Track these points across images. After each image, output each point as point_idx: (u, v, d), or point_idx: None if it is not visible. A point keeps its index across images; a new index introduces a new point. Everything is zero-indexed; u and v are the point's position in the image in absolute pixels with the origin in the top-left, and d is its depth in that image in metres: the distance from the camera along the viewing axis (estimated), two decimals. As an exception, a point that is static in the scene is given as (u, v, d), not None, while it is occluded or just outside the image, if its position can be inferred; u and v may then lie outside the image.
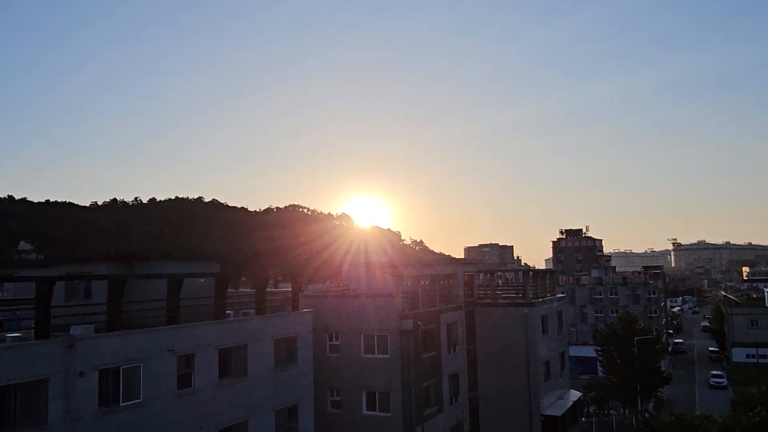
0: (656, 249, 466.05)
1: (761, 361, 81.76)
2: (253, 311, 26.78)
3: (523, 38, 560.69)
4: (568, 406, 42.71)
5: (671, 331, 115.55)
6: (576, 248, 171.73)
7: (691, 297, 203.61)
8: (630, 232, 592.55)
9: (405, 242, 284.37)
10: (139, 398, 19.34)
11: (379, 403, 31.06)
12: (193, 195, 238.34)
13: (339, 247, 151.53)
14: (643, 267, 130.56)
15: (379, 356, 31.44)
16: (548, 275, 47.76)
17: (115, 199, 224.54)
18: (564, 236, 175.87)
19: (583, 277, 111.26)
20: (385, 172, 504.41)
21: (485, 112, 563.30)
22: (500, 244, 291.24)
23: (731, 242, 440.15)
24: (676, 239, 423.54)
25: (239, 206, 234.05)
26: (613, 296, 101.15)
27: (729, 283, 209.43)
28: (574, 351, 69.45)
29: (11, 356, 16.23)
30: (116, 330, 19.53)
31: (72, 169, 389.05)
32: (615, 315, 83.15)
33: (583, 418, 52.18)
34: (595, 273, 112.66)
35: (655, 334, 69.29)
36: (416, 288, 34.02)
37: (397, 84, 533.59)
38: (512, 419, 38.89)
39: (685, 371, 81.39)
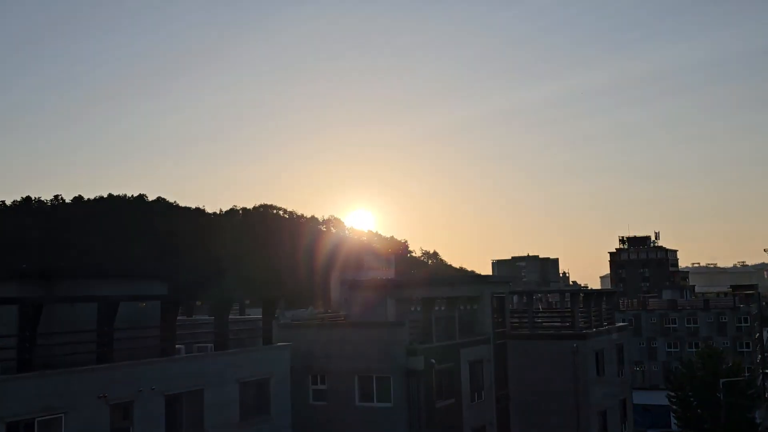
0: (749, 263, 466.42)
1: None
2: (211, 345, 26.80)
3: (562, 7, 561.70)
4: (632, 471, 42.64)
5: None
6: (642, 262, 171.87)
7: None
8: (714, 240, 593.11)
9: (414, 254, 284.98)
10: (60, 461, 19.36)
11: (380, 468, 31.06)
12: (131, 192, 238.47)
13: (326, 260, 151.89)
14: (732, 286, 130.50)
15: (380, 405, 31.40)
16: (605, 297, 47.73)
17: (28, 198, 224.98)
18: (625, 246, 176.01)
19: (651, 299, 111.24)
20: (388, 165, 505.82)
21: (519, 86, 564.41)
22: (541, 256, 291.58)
23: None
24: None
25: (193, 206, 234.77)
26: (692, 325, 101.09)
27: None
28: (640, 398, 69.32)
29: None
30: (29, 371, 19.52)
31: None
32: (694, 350, 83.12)
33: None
34: (667, 294, 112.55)
35: (747, 374, 69.27)
36: (428, 315, 34.03)
37: (406, 59, 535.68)
38: (557, 489, 38.84)
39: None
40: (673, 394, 61.48)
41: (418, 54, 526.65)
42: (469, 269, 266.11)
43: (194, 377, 23.78)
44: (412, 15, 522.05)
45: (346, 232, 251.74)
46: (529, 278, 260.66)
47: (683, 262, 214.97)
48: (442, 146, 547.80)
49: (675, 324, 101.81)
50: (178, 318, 26.29)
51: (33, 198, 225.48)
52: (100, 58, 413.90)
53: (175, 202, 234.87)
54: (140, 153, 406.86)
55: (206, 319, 34.38)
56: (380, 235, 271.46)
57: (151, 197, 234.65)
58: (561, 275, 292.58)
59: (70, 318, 22.64)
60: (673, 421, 63.74)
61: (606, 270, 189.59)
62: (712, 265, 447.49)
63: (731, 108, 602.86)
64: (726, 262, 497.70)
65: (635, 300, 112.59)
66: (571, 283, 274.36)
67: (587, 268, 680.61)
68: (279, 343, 28.86)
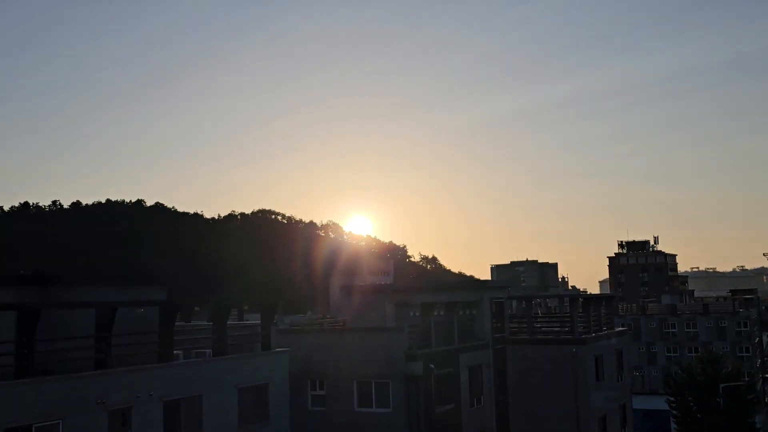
0: (748, 267, 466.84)
1: None
2: (210, 351, 26.78)
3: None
4: (632, 476, 42.59)
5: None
6: (641, 266, 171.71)
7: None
8: (713, 245, 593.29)
9: (412, 259, 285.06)
10: (58, 468, 19.35)
11: (379, 474, 31.01)
12: (129, 197, 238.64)
13: (325, 265, 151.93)
14: (731, 291, 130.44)
15: (379, 410, 31.38)
16: (604, 302, 47.76)
17: (26, 203, 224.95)
18: (624, 250, 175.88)
19: (650, 304, 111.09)
20: (386, 170, 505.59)
21: (517, 91, 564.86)
22: (540, 261, 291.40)
23: None
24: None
25: (192, 212, 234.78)
26: (691, 330, 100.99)
27: None
28: (640, 402, 69.29)
29: None
30: (27, 377, 19.50)
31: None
32: (693, 355, 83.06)
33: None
34: (666, 299, 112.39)
35: (747, 379, 69.19)
36: (428, 320, 34.01)
37: (405, 66, 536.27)
38: (557, 495, 38.79)
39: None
40: (672, 399, 61.36)
41: (416, 60, 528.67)
42: (468, 274, 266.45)
43: (193, 383, 23.75)
44: (410, 23, 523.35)
45: (345, 237, 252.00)
46: (528, 283, 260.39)
47: (682, 267, 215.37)
48: (440, 151, 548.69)
49: (674, 329, 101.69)
50: (177, 323, 26.26)
51: (31, 203, 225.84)
52: (98, 63, 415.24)
53: (173, 207, 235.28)
54: (138, 158, 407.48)
55: (205, 325, 34.30)
56: (379, 240, 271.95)
57: (149, 203, 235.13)
58: (560, 280, 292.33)
59: (69, 324, 22.61)
60: (673, 426, 63.61)
61: (605, 274, 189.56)
62: (711, 270, 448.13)
63: (731, 112, 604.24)
64: (725, 266, 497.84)
65: (634, 305, 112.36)
66: (570, 287, 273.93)
67: (586, 272, 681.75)
68: (278, 349, 28.86)
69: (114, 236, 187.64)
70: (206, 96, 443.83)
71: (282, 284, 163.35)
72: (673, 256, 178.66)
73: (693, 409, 58.40)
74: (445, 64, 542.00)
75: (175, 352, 24.61)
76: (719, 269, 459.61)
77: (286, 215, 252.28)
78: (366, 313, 37.04)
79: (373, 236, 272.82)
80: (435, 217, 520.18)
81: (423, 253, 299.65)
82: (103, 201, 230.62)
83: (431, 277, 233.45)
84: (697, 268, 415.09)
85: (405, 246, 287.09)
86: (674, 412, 61.21)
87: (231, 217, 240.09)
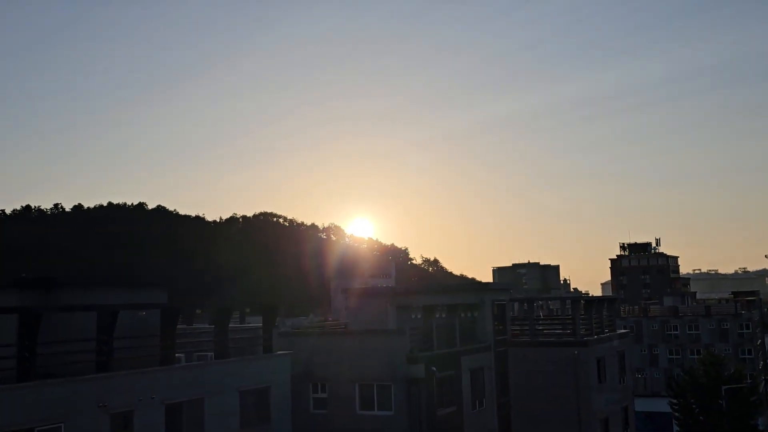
0: (750, 269, 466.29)
1: None
2: (211, 354, 26.78)
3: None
4: (634, 479, 42.52)
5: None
6: (643, 268, 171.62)
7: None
8: (715, 246, 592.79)
9: (414, 261, 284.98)
10: (60, 471, 19.35)
11: (381, 477, 30.99)
12: (131, 200, 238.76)
13: (326, 268, 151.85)
14: (733, 293, 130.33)
15: (381, 413, 31.37)
16: (606, 304, 47.69)
17: (28, 206, 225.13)
18: (626, 253, 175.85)
19: (652, 306, 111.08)
20: (388, 173, 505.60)
21: (519, 93, 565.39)
22: (541, 263, 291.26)
23: None
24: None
25: (193, 215, 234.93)
26: (693, 332, 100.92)
27: None
28: (642, 405, 69.20)
29: None
30: (29, 380, 19.53)
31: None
32: (695, 357, 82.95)
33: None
34: (668, 301, 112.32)
35: (749, 381, 69.07)
36: (429, 322, 34.01)
37: (405, 69, 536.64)
38: (559, 497, 38.73)
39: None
40: (674, 401, 61.26)
41: (418, 62, 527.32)
42: (470, 276, 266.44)
43: (194, 386, 23.76)
44: (412, 25, 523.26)
45: (347, 239, 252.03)
46: (530, 285, 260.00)
47: (684, 269, 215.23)
48: (442, 153, 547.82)
49: (676, 331, 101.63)
50: (178, 326, 26.28)
51: (33, 207, 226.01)
52: (99, 66, 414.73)
53: (175, 210, 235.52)
54: (140, 161, 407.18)
55: (206, 328, 34.35)
56: (380, 242, 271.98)
57: (150, 205, 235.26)
58: (562, 282, 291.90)
59: (70, 327, 22.63)
60: (675, 428, 63.50)
61: (607, 277, 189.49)
62: (713, 272, 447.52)
63: (733, 114, 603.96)
64: (727, 268, 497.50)
65: (636, 307, 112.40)
66: (572, 290, 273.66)
67: (588, 274, 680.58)
68: (279, 352, 28.87)
69: (115, 239, 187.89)
70: (208, 99, 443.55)
71: (283, 287, 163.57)
72: (675, 258, 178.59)
73: (695, 412, 58.31)
74: (447, 66, 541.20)
75: (176, 355, 24.62)
76: (721, 271, 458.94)
77: (288, 218, 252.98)
78: (367, 316, 37.05)
79: (374, 239, 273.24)
80: (436, 220, 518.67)
81: (425, 256, 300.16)
82: (105, 204, 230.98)
83: (433, 280, 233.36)
84: (699, 270, 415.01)
85: (406, 248, 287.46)
86: (676, 414, 61.12)
87: (232, 220, 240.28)
